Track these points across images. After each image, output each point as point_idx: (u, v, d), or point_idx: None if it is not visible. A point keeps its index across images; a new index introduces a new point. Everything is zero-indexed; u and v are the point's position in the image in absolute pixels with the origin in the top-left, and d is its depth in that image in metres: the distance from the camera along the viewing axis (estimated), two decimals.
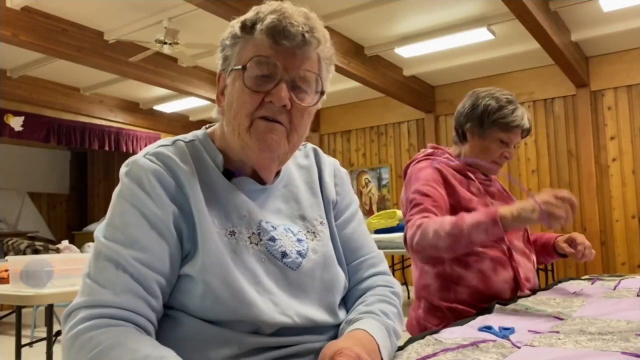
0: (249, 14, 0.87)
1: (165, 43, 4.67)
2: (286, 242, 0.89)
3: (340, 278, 0.94)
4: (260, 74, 0.84)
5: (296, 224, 0.93)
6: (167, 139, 0.90)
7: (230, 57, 0.88)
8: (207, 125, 0.96)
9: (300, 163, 1.02)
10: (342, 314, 0.94)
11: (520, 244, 1.64)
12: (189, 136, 0.92)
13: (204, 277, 0.79)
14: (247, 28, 0.86)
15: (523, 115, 1.63)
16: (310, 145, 1.06)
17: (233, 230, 0.85)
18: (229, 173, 0.90)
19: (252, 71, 0.84)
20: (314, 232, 0.94)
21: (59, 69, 5.82)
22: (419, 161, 1.70)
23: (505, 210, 1.32)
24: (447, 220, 1.40)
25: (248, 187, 0.90)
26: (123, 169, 0.84)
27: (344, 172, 1.08)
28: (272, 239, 0.88)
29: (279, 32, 0.83)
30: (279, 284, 0.86)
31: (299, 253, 0.89)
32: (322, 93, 0.90)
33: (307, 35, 0.84)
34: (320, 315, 0.89)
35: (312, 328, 0.87)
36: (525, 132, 1.67)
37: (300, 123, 0.87)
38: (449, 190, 1.58)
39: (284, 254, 0.88)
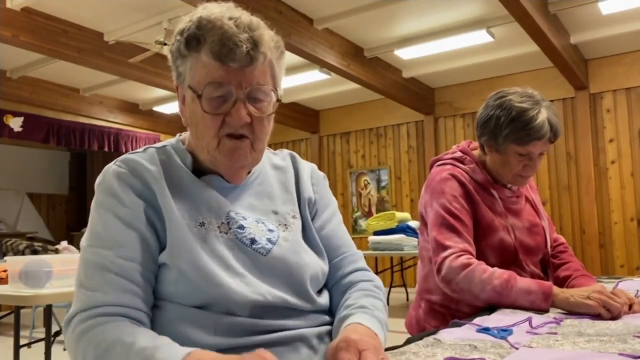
0: (191, 28, 0.87)
1: (165, 44, 4.68)
2: (255, 230, 0.93)
3: (312, 265, 0.96)
4: (216, 96, 0.87)
5: (268, 218, 0.98)
6: (140, 148, 0.97)
7: (184, 73, 0.91)
8: (179, 134, 1.02)
9: (276, 164, 1.07)
10: (321, 300, 0.97)
11: (535, 269, 1.58)
12: (161, 143, 0.99)
13: (175, 263, 0.85)
14: (193, 46, 0.87)
15: (543, 124, 1.46)
16: (286, 151, 1.12)
17: (202, 222, 0.90)
18: (202, 172, 0.95)
19: (207, 94, 0.87)
20: (285, 224, 0.99)
21: (59, 69, 5.83)
22: (445, 163, 1.62)
23: (559, 289, 1.30)
24: (497, 274, 1.34)
25: (218, 184, 0.95)
26: (97, 180, 0.92)
27: (321, 174, 1.13)
28: (241, 227, 0.92)
29: (224, 55, 0.85)
30: (249, 269, 0.90)
31: (269, 240, 0.94)
32: (278, 100, 0.93)
33: (252, 52, 0.85)
34: (291, 297, 0.92)
35: (287, 311, 0.90)
36: (553, 137, 1.51)
37: (262, 131, 0.92)
38: (471, 207, 1.52)
39: (253, 241, 0.92)
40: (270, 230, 0.95)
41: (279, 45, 0.92)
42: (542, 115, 1.47)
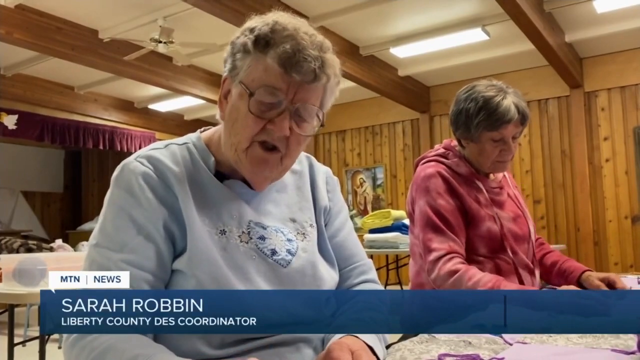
0: (264, 29, 0.86)
1: (160, 42, 4.67)
2: (276, 241, 0.92)
3: (327, 280, 0.95)
4: (266, 101, 0.85)
5: (286, 226, 0.96)
6: (160, 142, 0.93)
7: (240, 68, 0.88)
8: (201, 129, 0.99)
9: (293, 168, 1.05)
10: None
11: (524, 258, 1.61)
12: (182, 139, 0.95)
13: (193, 273, 0.83)
14: (260, 46, 0.86)
15: (509, 107, 1.52)
16: (303, 154, 1.08)
17: (224, 229, 0.88)
18: (222, 175, 0.92)
19: (259, 96, 0.85)
20: (303, 234, 0.97)
21: (54, 67, 5.80)
22: (429, 160, 1.66)
23: None
24: (483, 282, 1.38)
25: (239, 189, 0.92)
26: (114, 173, 0.88)
27: (335, 180, 1.11)
28: (262, 238, 0.91)
29: (291, 65, 0.84)
30: (270, 281, 0.88)
31: (289, 251, 0.92)
32: (322, 124, 0.92)
33: (318, 71, 0.85)
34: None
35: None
36: (522, 119, 1.55)
37: (296, 149, 0.91)
38: (456, 201, 1.56)
39: (274, 252, 0.90)
40: (289, 240, 0.93)
41: (339, 74, 0.92)
42: (508, 100, 1.54)
